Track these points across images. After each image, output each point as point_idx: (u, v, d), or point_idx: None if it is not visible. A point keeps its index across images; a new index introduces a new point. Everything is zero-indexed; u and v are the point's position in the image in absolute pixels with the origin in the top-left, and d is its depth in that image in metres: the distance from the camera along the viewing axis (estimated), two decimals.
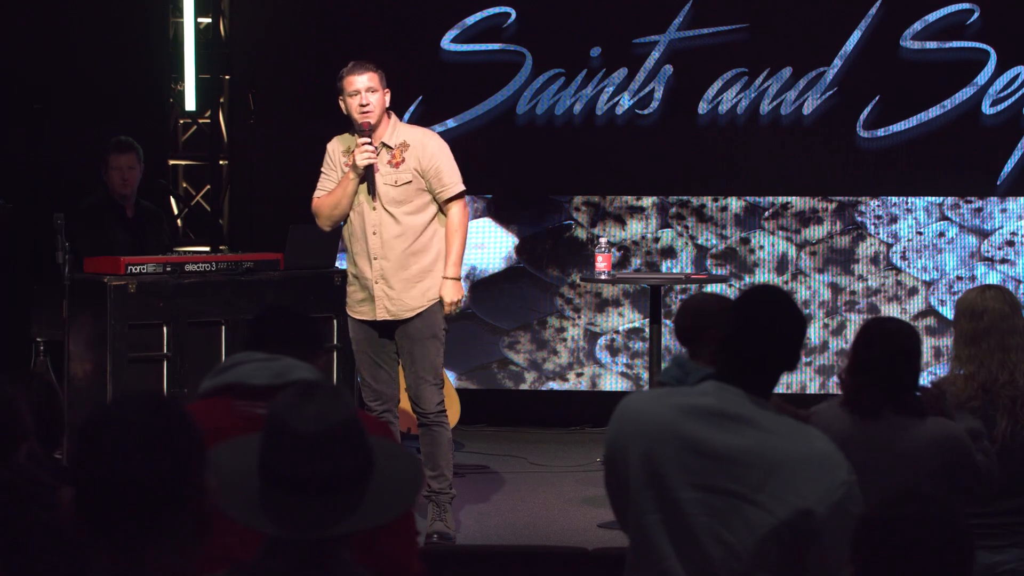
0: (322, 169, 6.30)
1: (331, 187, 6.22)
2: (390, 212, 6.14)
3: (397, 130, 6.23)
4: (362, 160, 6.09)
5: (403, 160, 6.16)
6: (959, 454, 3.94)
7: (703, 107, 8.92)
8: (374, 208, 6.15)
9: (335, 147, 6.28)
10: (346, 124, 6.29)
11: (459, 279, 6.26)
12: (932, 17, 8.80)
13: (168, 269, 6.76)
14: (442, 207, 6.22)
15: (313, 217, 6.36)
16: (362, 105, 6.09)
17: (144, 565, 2.09)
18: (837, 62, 8.84)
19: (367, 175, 6.14)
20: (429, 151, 6.18)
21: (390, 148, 6.17)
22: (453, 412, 7.97)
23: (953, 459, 3.92)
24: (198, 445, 2.16)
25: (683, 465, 3.06)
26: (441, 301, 6.22)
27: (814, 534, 2.99)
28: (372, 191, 6.14)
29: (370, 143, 6.09)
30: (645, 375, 8.21)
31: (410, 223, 6.16)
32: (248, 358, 3.24)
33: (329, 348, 3.47)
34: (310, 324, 3.51)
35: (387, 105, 6.19)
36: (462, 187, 6.24)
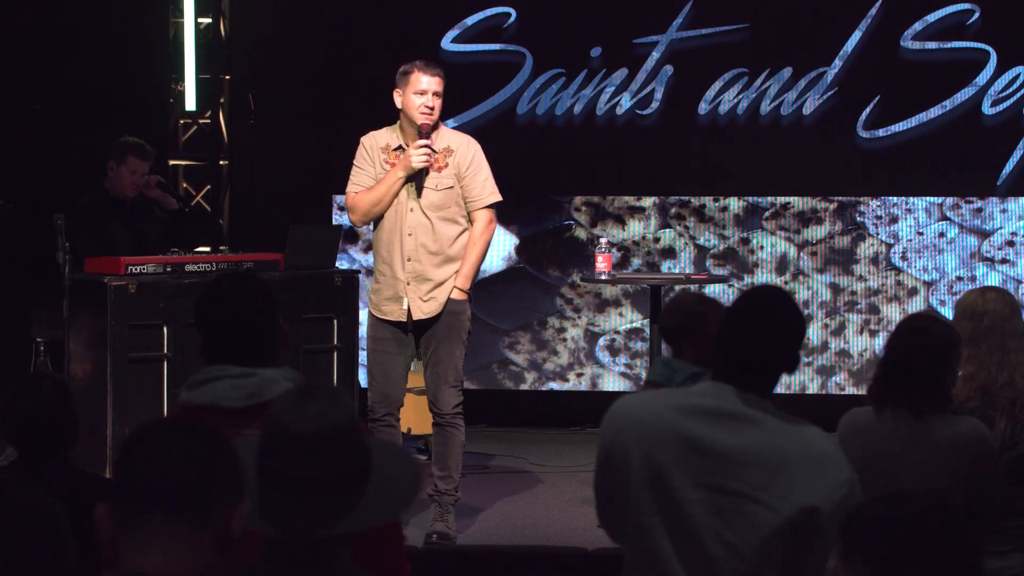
0: (356, 163, 6.21)
1: (367, 182, 6.15)
2: (428, 216, 6.11)
3: (442, 135, 6.20)
4: (419, 162, 6.03)
5: (446, 165, 6.13)
6: (987, 457, 3.93)
7: (703, 107, 8.92)
8: (412, 210, 6.11)
9: (372, 142, 6.20)
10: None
11: (467, 292, 6.18)
12: (932, 17, 8.80)
13: (168, 269, 6.76)
14: (470, 215, 6.19)
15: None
16: (428, 107, 6.06)
17: (165, 569, 2.10)
18: (837, 62, 8.84)
19: (416, 176, 6.10)
20: (469, 158, 6.16)
21: (434, 152, 6.13)
22: None
23: (980, 462, 3.91)
24: (235, 466, 2.19)
25: (686, 465, 3.05)
26: (469, 300, 6.20)
27: (818, 532, 2.98)
28: (419, 193, 6.10)
29: (428, 145, 6.06)
30: (644, 375, 8.20)
31: (445, 229, 6.12)
32: (222, 373, 3.16)
33: (288, 328, 3.32)
34: (255, 324, 3.27)
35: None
36: (496, 198, 6.21)
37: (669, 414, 3.10)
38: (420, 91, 6.06)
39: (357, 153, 6.23)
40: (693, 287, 8.65)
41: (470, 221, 6.20)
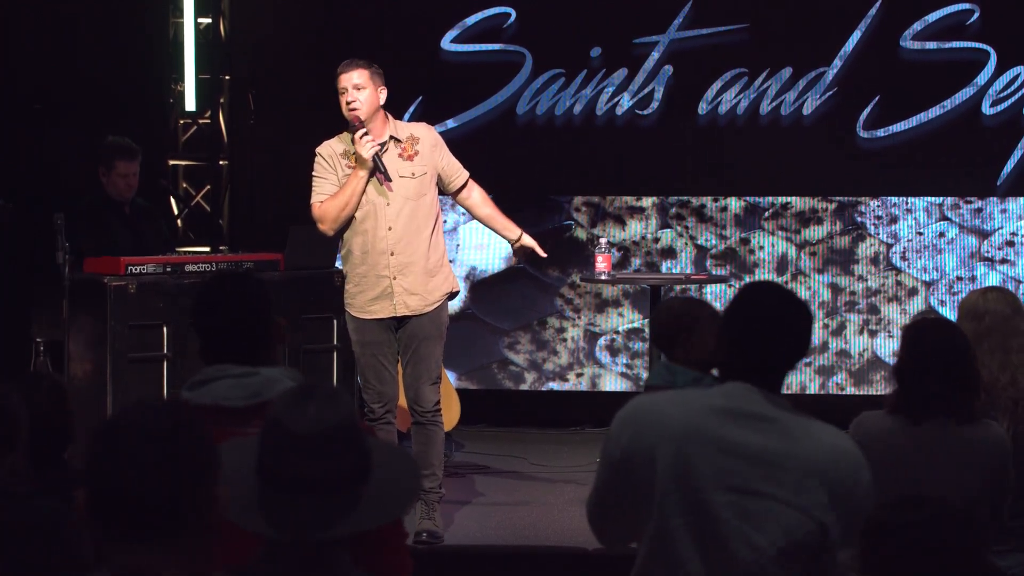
0: (316, 174, 6.20)
1: (331, 190, 6.15)
2: (407, 206, 6.12)
3: (399, 126, 6.23)
4: (368, 151, 6.04)
5: (416, 152, 6.16)
6: (1009, 463, 3.93)
7: (703, 107, 8.92)
8: (388, 203, 6.12)
9: (331, 150, 6.20)
10: (343, 123, 6.26)
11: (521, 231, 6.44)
12: (932, 17, 8.80)
13: (168, 269, 6.76)
14: (459, 192, 6.31)
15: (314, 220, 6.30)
16: (348, 103, 6.09)
17: (151, 567, 2.10)
18: (837, 62, 8.84)
19: (377, 167, 6.10)
20: (439, 142, 6.27)
21: (399, 142, 6.16)
22: (453, 413, 7.97)
23: (1005, 468, 3.91)
24: (211, 457, 2.18)
25: (716, 467, 3.00)
26: (446, 301, 6.25)
27: (845, 533, 2.96)
28: (392, 186, 6.11)
29: (367, 133, 6.08)
30: (645, 375, 8.20)
31: (425, 216, 6.16)
32: (222, 373, 3.16)
33: (284, 322, 3.31)
34: (252, 325, 3.26)
35: (382, 102, 6.16)
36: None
37: (698, 415, 3.05)
38: (341, 90, 6.12)
39: (315, 165, 6.22)
40: (692, 287, 8.66)
41: (438, 212, 6.28)
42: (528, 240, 6.41)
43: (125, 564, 2.11)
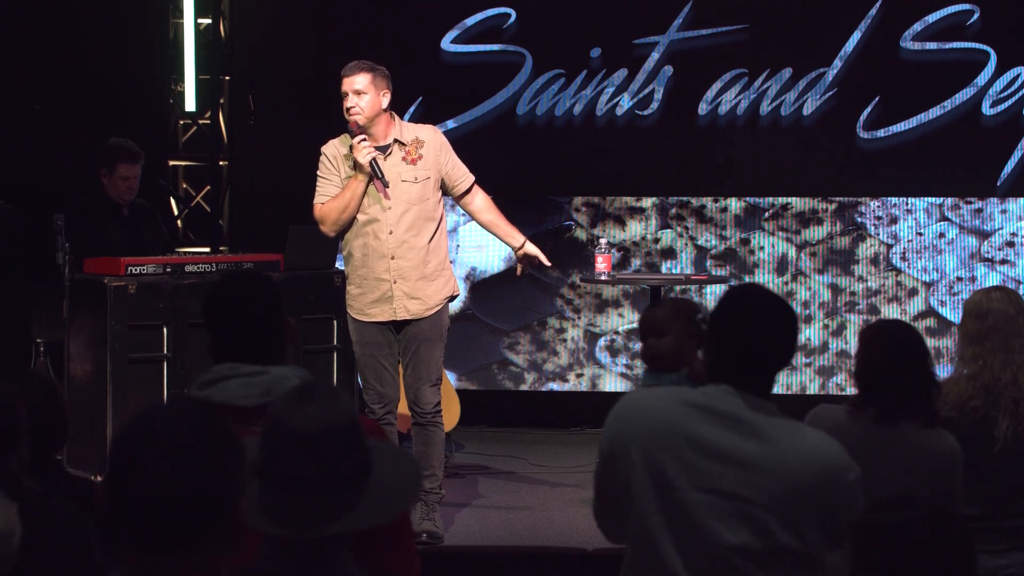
0: (320, 174, 6.19)
1: (333, 191, 6.15)
2: (408, 210, 6.11)
3: (404, 128, 6.21)
4: (365, 156, 6.03)
5: (420, 156, 6.14)
6: (953, 474, 3.93)
7: (703, 108, 8.92)
8: (389, 207, 6.12)
9: (335, 151, 6.18)
10: (345, 122, 6.25)
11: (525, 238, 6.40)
12: (932, 18, 8.80)
13: (168, 270, 6.76)
14: (463, 196, 6.28)
15: (314, 220, 6.29)
16: (348, 108, 6.08)
17: (169, 570, 2.09)
18: (837, 62, 8.84)
19: (374, 174, 6.09)
20: (444, 146, 6.23)
21: (404, 145, 6.14)
22: (453, 413, 7.96)
23: (947, 476, 3.91)
24: (238, 464, 2.14)
25: (689, 466, 3.00)
26: (448, 302, 6.25)
27: (834, 537, 2.95)
28: (394, 189, 6.10)
29: (365, 139, 6.07)
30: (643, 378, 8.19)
31: (427, 220, 6.15)
32: (232, 372, 3.15)
33: (295, 324, 3.31)
34: (264, 323, 3.27)
35: (384, 105, 6.15)
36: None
37: (675, 412, 3.05)
38: (343, 93, 6.10)
39: (320, 164, 6.20)
40: (692, 288, 8.67)
41: (441, 216, 6.26)
42: (532, 249, 6.34)
43: (141, 566, 2.09)
